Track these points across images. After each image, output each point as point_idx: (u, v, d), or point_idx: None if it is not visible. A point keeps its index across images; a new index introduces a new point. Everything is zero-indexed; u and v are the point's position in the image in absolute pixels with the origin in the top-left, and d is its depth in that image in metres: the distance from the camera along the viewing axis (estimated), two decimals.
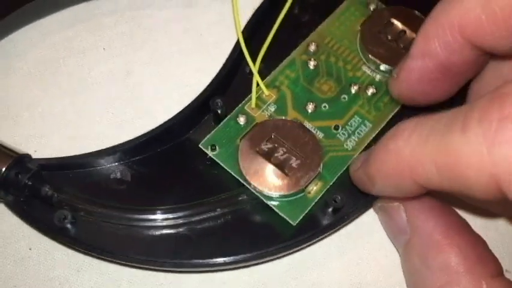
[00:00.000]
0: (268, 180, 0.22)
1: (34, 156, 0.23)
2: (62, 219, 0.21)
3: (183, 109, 0.24)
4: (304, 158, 0.23)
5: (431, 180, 0.17)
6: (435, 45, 0.20)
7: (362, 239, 0.25)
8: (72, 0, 0.28)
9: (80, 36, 0.28)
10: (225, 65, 0.25)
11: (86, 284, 0.23)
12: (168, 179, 0.24)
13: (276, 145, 0.23)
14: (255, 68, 0.25)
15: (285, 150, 0.23)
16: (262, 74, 0.25)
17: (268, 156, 0.23)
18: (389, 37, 0.26)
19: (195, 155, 0.24)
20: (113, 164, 0.23)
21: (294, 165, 0.23)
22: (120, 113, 0.27)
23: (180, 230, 0.22)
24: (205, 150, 0.23)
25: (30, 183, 0.22)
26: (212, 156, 0.23)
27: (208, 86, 0.24)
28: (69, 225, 0.22)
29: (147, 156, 0.24)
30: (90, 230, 0.22)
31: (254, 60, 0.24)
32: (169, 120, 0.24)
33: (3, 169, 0.21)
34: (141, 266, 0.22)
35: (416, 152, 0.17)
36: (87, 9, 0.29)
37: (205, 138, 0.24)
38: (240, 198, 0.23)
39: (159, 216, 0.22)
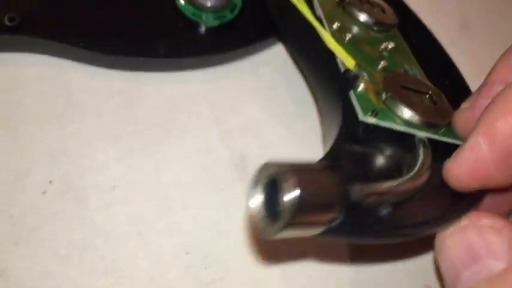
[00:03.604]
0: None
1: None
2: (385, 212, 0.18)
3: None
4: (437, 92, 0.25)
5: None
6: None
7: None
8: None
9: None
10: None
11: None
12: None
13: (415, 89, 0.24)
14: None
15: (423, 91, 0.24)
16: None
17: (419, 95, 0.24)
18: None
19: None
20: None
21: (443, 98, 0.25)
22: None
23: None
24: (368, 121, 0.22)
25: None
26: (377, 122, 0.22)
27: None
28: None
29: None
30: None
31: None
32: None
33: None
34: None
35: None
36: None
37: (360, 111, 0.22)
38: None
39: None
